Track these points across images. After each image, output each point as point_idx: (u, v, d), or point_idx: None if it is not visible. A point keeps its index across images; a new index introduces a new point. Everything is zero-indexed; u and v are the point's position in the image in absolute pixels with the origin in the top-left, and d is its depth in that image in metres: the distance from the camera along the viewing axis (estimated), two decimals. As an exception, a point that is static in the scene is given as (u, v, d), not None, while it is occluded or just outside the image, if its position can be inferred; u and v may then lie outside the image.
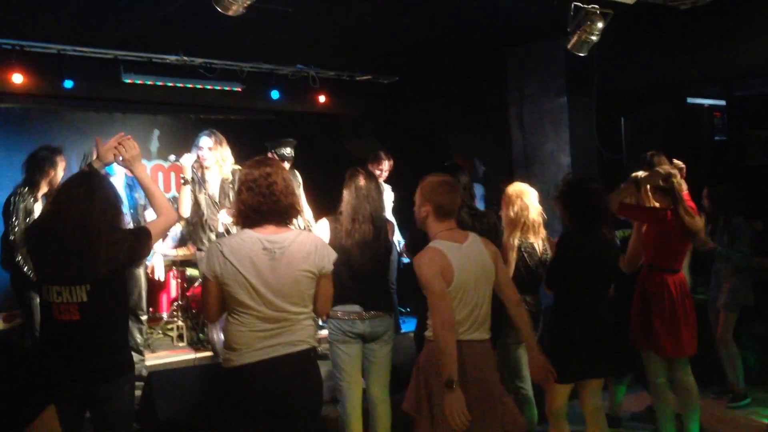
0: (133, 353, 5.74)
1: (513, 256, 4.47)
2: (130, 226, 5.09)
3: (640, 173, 4.73)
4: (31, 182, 5.21)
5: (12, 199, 5.14)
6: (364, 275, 3.98)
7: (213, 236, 5.32)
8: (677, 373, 4.59)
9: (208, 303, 3.13)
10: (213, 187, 5.45)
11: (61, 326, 3.07)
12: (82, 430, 3.22)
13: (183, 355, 6.32)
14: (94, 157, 3.45)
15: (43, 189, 5.24)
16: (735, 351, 5.74)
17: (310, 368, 3.18)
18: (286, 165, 5.72)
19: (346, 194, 4.15)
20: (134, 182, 5.88)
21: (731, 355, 5.73)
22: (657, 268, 4.59)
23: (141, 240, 3.24)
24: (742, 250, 5.58)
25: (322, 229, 4.10)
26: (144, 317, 5.89)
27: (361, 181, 4.13)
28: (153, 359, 6.08)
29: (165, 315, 7.15)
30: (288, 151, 5.87)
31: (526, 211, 4.52)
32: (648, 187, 4.69)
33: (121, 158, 3.37)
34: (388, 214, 4.41)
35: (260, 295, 3.02)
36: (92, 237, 3.01)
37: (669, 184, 4.54)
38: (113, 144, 3.38)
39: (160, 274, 6.18)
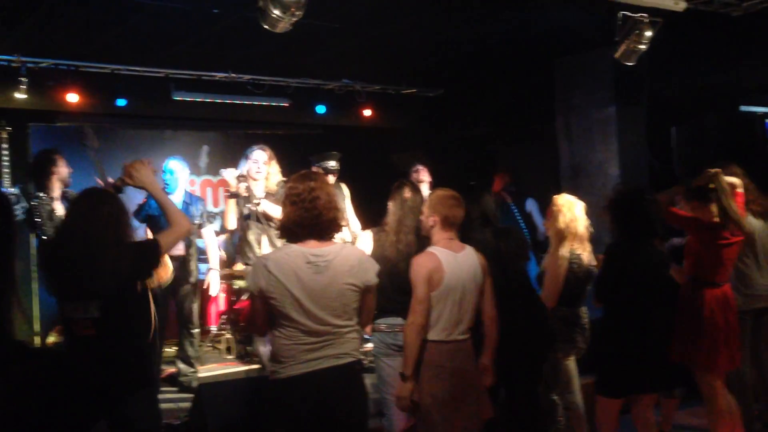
0: (185, 365, 5.86)
1: (564, 267, 4.42)
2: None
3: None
4: (41, 186, 5.40)
5: (32, 207, 5.28)
6: (407, 287, 3.97)
7: (258, 251, 5.38)
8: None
9: (255, 317, 3.16)
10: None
11: (80, 342, 3.13)
12: None
13: (232, 367, 6.40)
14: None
15: (56, 189, 5.44)
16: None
17: (355, 381, 3.18)
18: (331, 178, 5.74)
19: (392, 206, 4.17)
20: (192, 200, 5.98)
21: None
22: (698, 280, 4.48)
23: (147, 252, 3.28)
24: None
25: (365, 240, 4.12)
26: (195, 331, 5.96)
27: (407, 194, 4.15)
28: (202, 372, 6.16)
29: (214, 328, 7.24)
30: (332, 164, 5.89)
31: (575, 223, 4.47)
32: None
33: (131, 177, 3.46)
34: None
35: (305, 308, 3.04)
36: (95, 252, 3.07)
37: (710, 192, 4.40)
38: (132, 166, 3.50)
39: (214, 291, 6.20)
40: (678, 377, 4.72)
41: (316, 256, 3.08)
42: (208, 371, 6.25)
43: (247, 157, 5.54)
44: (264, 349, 5.51)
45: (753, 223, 4.95)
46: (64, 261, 3.12)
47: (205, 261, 6.28)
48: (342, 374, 3.09)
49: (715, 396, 4.40)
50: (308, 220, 3.10)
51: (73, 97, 6.86)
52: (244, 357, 6.69)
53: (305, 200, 3.11)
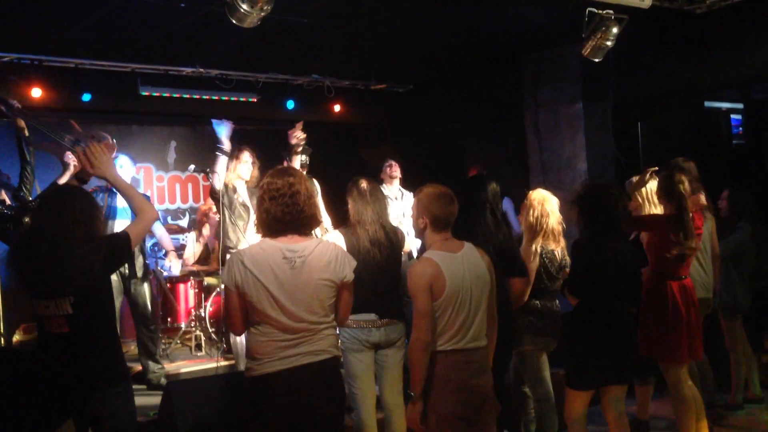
0: (151, 362, 5.79)
1: (535, 263, 4.46)
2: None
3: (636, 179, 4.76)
4: None
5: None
6: (377, 282, 3.97)
7: (242, 237, 5.40)
8: None
9: (231, 314, 3.11)
10: (243, 195, 5.56)
11: (53, 339, 3.11)
12: None
13: (201, 364, 6.35)
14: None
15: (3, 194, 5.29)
16: (737, 359, 5.70)
17: (332, 378, 3.16)
18: None
19: (350, 202, 4.17)
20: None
21: (734, 362, 5.71)
22: (662, 274, 4.55)
23: (117, 246, 3.23)
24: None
25: (335, 239, 4.07)
26: (153, 327, 5.86)
27: (363, 185, 4.16)
28: (172, 369, 6.11)
29: (183, 325, 7.18)
30: (303, 158, 5.91)
31: (546, 218, 4.51)
32: (651, 191, 4.75)
33: (92, 167, 3.33)
34: (407, 222, 4.42)
35: (280, 305, 3.01)
36: (66, 249, 3.03)
37: (676, 189, 4.50)
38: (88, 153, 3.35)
39: (176, 270, 6.28)
40: (647, 367, 4.81)
41: (292, 251, 3.06)
42: (177, 368, 6.20)
43: (234, 157, 5.54)
44: (240, 341, 5.51)
45: None
46: (36, 260, 3.08)
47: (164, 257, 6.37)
48: (319, 371, 3.07)
49: (680, 386, 4.49)
50: (289, 216, 3.08)
51: (36, 92, 6.74)
52: (213, 354, 6.65)
53: (285, 195, 3.08)
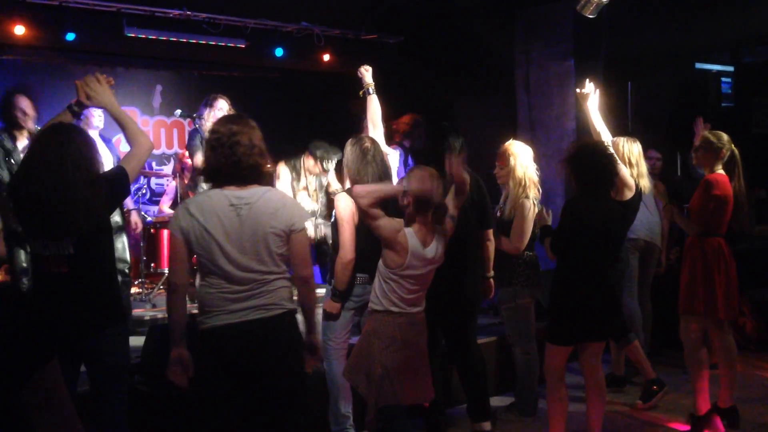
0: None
1: (533, 212, 4.56)
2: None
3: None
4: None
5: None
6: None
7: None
8: (720, 334, 4.61)
9: (174, 263, 3.03)
10: None
11: (52, 279, 3.07)
12: (77, 382, 3.25)
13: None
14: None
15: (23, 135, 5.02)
16: None
17: (285, 332, 3.05)
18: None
19: (351, 157, 4.06)
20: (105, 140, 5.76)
21: None
22: (710, 233, 4.57)
23: (117, 183, 3.19)
24: None
25: (344, 202, 3.97)
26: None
27: (366, 143, 4.09)
28: (155, 312, 6.14)
29: (166, 270, 7.19)
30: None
31: (531, 169, 4.69)
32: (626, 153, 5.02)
33: (89, 98, 3.27)
34: (395, 178, 4.33)
35: (226, 253, 2.93)
36: (68, 194, 2.98)
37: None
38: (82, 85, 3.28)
39: (137, 225, 6.22)
40: (625, 326, 4.89)
41: (238, 198, 2.97)
42: (160, 312, 6.22)
43: (208, 105, 5.48)
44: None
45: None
46: (36, 202, 3.01)
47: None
48: (270, 326, 2.98)
49: (688, 339, 4.58)
50: (226, 167, 2.97)
51: (19, 30, 6.58)
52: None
53: (224, 145, 2.97)
